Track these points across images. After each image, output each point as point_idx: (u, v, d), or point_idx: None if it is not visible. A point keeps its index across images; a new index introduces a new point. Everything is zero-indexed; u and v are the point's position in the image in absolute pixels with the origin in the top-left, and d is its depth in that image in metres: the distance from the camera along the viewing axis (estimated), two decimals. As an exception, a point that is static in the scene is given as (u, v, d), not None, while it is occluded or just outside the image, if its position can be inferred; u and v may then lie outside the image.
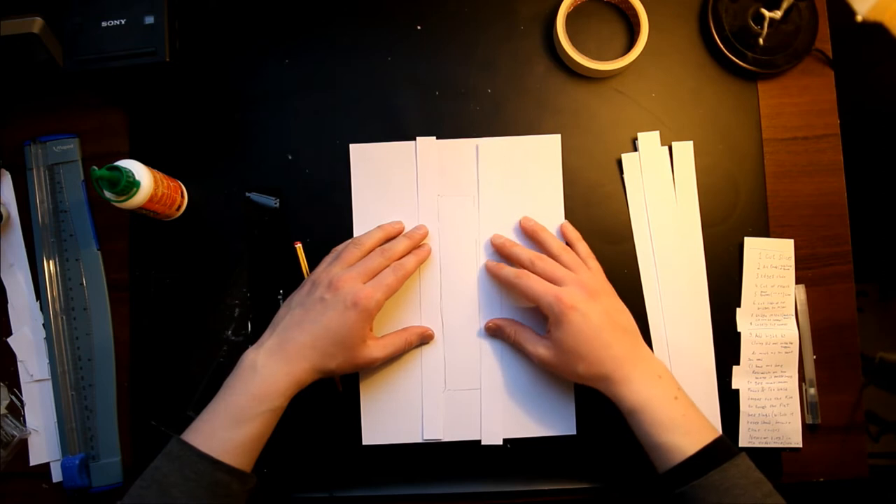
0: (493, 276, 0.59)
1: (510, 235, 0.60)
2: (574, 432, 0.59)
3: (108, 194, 0.53)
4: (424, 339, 0.59)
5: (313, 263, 0.60)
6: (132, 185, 0.53)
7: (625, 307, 0.55)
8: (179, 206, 0.61)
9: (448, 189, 0.61)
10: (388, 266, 0.54)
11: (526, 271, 0.55)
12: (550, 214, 0.60)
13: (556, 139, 0.61)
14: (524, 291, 0.54)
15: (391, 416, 0.59)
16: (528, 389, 0.59)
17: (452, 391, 0.59)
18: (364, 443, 0.59)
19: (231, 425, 0.48)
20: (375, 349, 0.54)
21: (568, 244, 0.58)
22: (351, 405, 0.60)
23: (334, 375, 0.54)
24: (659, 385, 0.50)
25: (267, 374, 0.49)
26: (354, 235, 0.60)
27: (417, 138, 0.61)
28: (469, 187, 0.61)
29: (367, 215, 0.61)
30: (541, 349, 0.54)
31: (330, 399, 0.60)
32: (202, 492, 0.45)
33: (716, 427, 0.51)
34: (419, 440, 0.59)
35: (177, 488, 0.45)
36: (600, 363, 0.51)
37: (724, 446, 0.47)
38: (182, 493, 0.45)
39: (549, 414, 0.59)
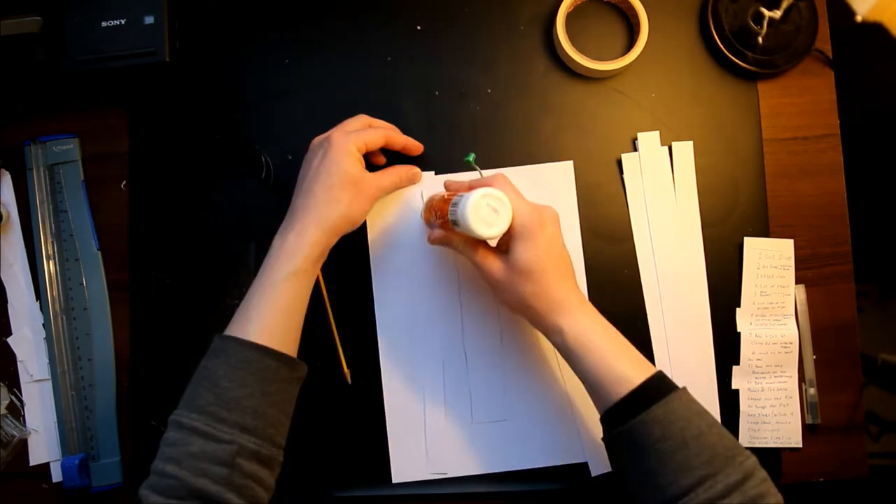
0: (448, 188, 0.54)
1: None
2: (585, 459, 0.59)
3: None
4: (413, 178, 0.59)
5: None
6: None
7: None
8: None
9: None
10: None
11: (500, 177, 0.50)
12: (567, 241, 0.60)
13: (568, 166, 0.61)
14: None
15: (419, 452, 0.59)
16: (544, 419, 0.59)
17: (479, 423, 0.59)
18: (394, 481, 0.59)
19: (259, 305, 0.49)
20: (372, 179, 0.54)
21: None
22: (357, 400, 0.60)
23: (347, 224, 0.53)
24: (601, 320, 0.49)
25: (279, 245, 0.51)
26: (371, 266, 0.61)
27: (426, 174, 0.61)
28: None
29: (382, 251, 0.61)
30: (492, 260, 0.50)
31: (338, 394, 0.60)
32: (252, 379, 0.46)
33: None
34: (447, 475, 0.59)
35: (226, 378, 0.45)
36: (550, 289, 0.48)
37: (665, 380, 0.46)
38: (231, 382, 0.45)
39: (558, 442, 0.59)
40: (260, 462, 0.45)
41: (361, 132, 0.55)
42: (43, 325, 0.62)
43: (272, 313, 0.48)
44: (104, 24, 0.59)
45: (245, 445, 0.44)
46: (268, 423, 0.46)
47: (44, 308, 0.62)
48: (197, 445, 0.43)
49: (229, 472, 0.43)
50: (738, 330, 0.60)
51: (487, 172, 0.53)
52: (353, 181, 0.52)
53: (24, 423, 0.62)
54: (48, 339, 0.62)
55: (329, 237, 0.52)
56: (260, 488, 0.45)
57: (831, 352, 0.60)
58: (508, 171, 0.61)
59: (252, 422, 0.45)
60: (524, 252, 0.47)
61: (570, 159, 0.61)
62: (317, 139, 0.56)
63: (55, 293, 0.62)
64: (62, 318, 0.62)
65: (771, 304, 0.60)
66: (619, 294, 0.60)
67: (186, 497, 0.42)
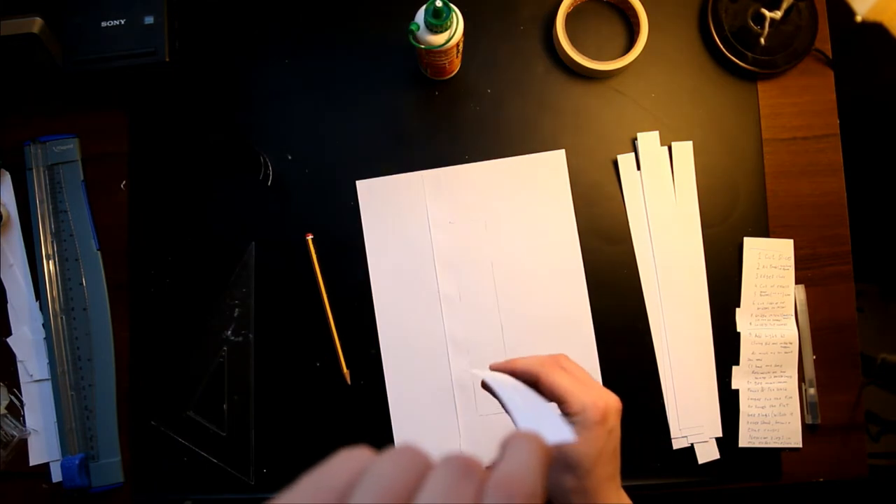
0: (503, 373, 0.45)
1: (524, 257, 0.60)
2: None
3: (425, 30, 0.53)
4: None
5: (321, 258, 0.60)
6: (455, 19, 0.53)
7: None
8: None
9: (458, 215, 0.61)
10: None
11: (551, 363, 0.44)
12: (562, 230, 0.60)
13: (560, 155, 0.61)
14: (548, 385, 0.43)
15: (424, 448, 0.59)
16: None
17: (484, 416, 0.59)
18: None
19: None
20: None
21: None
22: (358, 400, 0.60)
23: None
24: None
25: None
26: (370, 266, 0.60)
27: (424, 171, 0.61)
28: (479, 212, 0.61)
29: (380, 251, 0.61)
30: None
31: (338, 394, 0.60)
32: None
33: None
34: None
35: None
36: (595, 493, 0.42)
37: None
38: None
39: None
40: None
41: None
42: (43, 325, 0.62)
43: None
44: (104, 24, 0.59)
45: None
46: None
47: (44, 308, 0.62)
48: None
49: None
50: (738, 330, 0.60)
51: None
52: None
53: (23, 423, 0.62)
54: (48, 338, 0.62)
55: None
56: None
57: (831, 352, 0.60)
58: (502, 161, 0.61)
59: None
60: (576, 444, 0.41)
61: (570, 159, 0.61)
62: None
63: (55, 293, 0.62)
64: (62, 317, 0.62)
65: (771, 304, 0.60)
66: (619, 294, 0.60)
67: None
